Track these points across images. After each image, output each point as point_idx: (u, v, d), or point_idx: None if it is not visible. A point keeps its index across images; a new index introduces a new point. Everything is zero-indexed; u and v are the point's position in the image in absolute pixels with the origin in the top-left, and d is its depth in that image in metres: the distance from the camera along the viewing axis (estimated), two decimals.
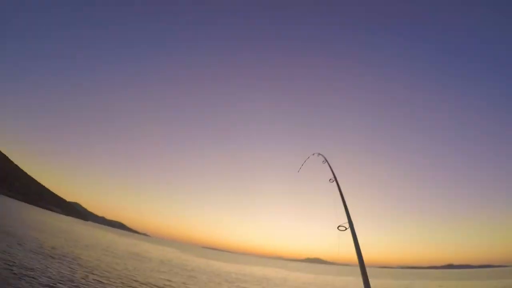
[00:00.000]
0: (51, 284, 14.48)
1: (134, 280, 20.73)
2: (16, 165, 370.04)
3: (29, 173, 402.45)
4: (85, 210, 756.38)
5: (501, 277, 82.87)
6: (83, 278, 17.22)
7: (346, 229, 5.36)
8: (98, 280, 17.95)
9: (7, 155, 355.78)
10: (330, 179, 6.35)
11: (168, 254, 69.02)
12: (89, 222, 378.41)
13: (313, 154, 7.85)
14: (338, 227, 5.41)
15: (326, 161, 6.91)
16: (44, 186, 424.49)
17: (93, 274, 19.56)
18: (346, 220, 5.49)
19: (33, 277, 14.90)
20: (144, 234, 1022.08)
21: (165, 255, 64.29)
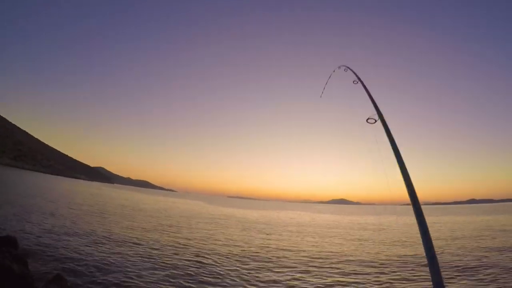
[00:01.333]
0: (89, 247, 14.12)
1: (168, 234, 21.14)
2: (36, 139, 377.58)
3: (50, 145, 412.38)
4: (110, 173, 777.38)
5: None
6: (120, 241, 17.48)
7: (375, 121, 4.61)
8: (134, 237, 17.82)
9: (26, 131, 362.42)
10: (354, 81, 5.74)
11: (194, 207, 70.27)
12: (115, 185, 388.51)
13: (338, 67, 7.12)
14: (367, 120, 4.67)
15: (349, 68, 6.31)
16: (67, 156, 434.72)
17: (124, 234, 19.42)
18: (375, 113, 4.77)
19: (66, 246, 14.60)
20: (170, 190, 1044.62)
21: (192, 208, 65.54)
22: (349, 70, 6.38)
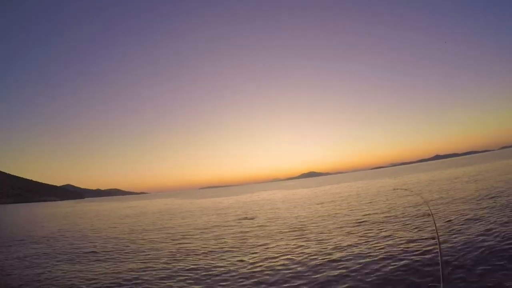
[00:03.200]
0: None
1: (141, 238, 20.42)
2: None
3: (12, 173, 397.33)
4: (78, 188, 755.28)
5: (484, 162, 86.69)
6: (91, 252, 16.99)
7: None
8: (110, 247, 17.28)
9: None
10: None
11: (163, 206, 69.76)
12: (86, 199, 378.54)
13: None
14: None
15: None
16: (31, 180, 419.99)
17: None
18: None
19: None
20: (142, 193, 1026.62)
21: (161, 206, 64.89)
22: None
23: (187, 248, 16.40)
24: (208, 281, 10.81)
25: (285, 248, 14.18)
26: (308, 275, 10.40)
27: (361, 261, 11.05)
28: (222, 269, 11.97)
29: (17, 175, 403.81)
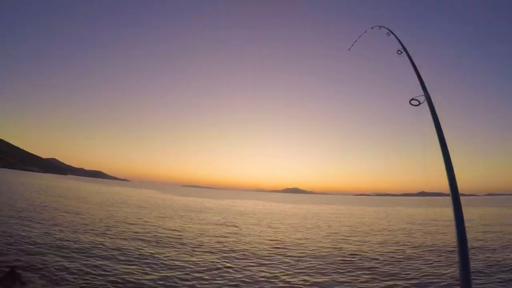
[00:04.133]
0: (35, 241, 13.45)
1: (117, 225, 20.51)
2: None
3: (0, 137, 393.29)
4: (63, 164, 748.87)
5: (470, 206, 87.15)
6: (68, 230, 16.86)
7: (419, 103, 4.00)
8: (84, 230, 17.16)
9: None
10: (398, 51, 5.08)
11: (145, 198, 70.02)
12: (68, 176, 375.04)
13: (372, 27, 6.29)
14: (410, 101, 4.05)
15: (392, 32, 5.50)
16: (18, 148, 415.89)
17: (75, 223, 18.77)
18: (421, 94, 4.14)
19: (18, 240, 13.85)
20: (124, 180, 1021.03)
21: (143, 198, 65.38)
22: (391, 35, 5.52)
23: (161, 253, 15.76)
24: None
25: (263, 264, 13.94)
26: None
27: None
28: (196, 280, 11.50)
29: (4, 139, 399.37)
